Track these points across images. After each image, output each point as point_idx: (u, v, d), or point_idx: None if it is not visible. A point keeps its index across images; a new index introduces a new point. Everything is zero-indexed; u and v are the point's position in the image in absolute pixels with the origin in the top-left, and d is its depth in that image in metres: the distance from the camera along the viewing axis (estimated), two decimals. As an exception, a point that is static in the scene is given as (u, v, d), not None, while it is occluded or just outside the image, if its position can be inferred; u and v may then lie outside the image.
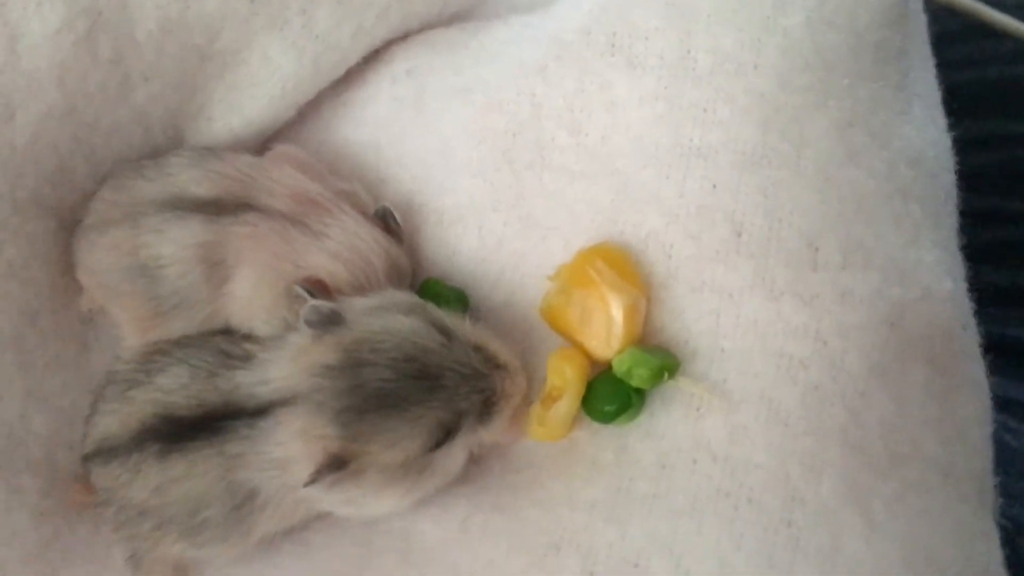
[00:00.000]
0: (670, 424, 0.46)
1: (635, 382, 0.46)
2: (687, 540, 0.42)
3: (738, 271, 0.47)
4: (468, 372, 0.45)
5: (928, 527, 0.42)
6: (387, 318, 0.46)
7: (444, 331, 0.46)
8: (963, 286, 0.48)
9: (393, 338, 0.45)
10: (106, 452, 0.48)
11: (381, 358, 0.44)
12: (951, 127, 0.52)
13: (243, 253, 0.52)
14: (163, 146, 0.59)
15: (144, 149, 0.59)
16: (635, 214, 0.50)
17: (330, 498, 0.46)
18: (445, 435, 0.45)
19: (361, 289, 0.51)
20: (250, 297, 0.53)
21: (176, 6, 0.54)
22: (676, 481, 0.44)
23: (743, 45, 0.49)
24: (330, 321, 0.46)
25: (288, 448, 0.44)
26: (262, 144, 0.63)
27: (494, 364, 0.47)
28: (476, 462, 0.50)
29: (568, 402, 0.48)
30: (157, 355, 0.50)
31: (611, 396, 0.47)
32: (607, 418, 0.47)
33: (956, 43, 0.68)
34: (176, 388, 0.47)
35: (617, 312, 0.47)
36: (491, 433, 0.48)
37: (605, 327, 0.47)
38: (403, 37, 0.63)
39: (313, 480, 0.43)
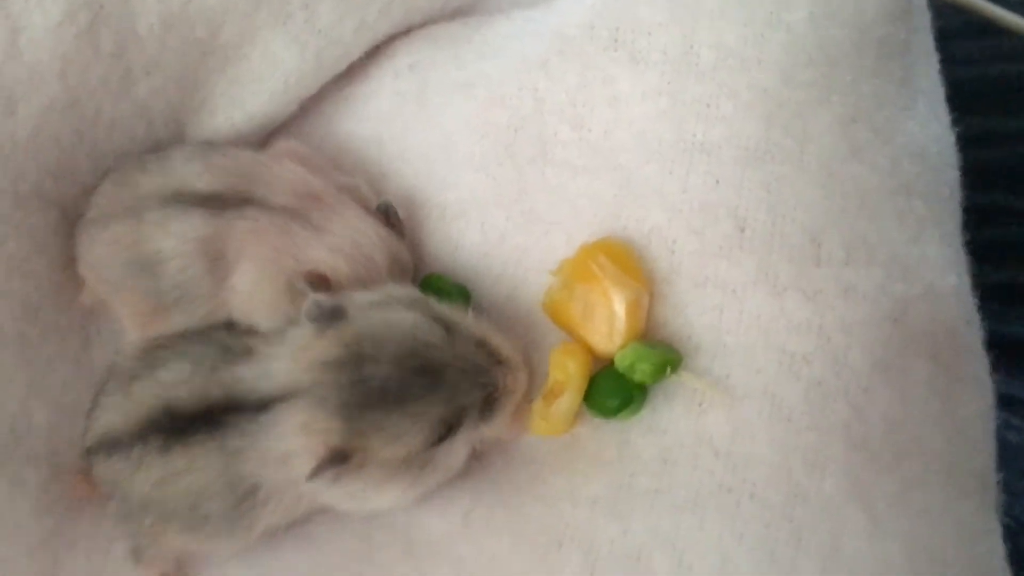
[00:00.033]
0: (672, 419, 0.46)
1: (637, 377, 0.46)
2: (689, 535, 0.42)
3: (741, 267, 0.47)
4: (470, 367, 0.45)
5: (930, 524, 0.42)
6: (389, 313, 0.46)
7: (446, 326, 0.46)
8: (967, 282, 0.48)
9: (395, 333, 0.45)
10: (108, 446, 0.48)
11: (383, 353, 0.44)
12: (954, 124, 0.52)
13: (245, 247, 0.52)
14: (165, 140, 0.59)
15: (146, 143, 0.59)
16: (638, 209, 0.50)
17: (332, 493, 0.46)
18: (447, 430, 0.45)
19: (363, 284, 0.51)
20: (251, 291, 0.52)
21: (178, 0, 0.54)
22: (678, 476, 0.44)
23: (746, 40, 0.49)
24: (332, 316, 0.46)
25: (290, 443, 0.44)
26: (264, 139, 0.63)
27: (496, 359, 0.46)
28: (478, 457, 0.50)
29: (570, 397, 0.48)
30: (159, 349, 0.50)
31: (613, 391, 0.47)
32: (609, 413, 0.47)
33: (959, 39, 0.68)
34: (178, 382, 0.47)
35: (620, 307, 0.47)
36: (493, 428, 0.47)
37: (608, 322, 0.47)
38: (405, 32, 0.63)
39: (315, 474, 0.43)
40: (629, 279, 0.47)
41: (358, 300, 0.47)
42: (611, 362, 0.48)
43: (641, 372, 0.46)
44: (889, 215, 0.47)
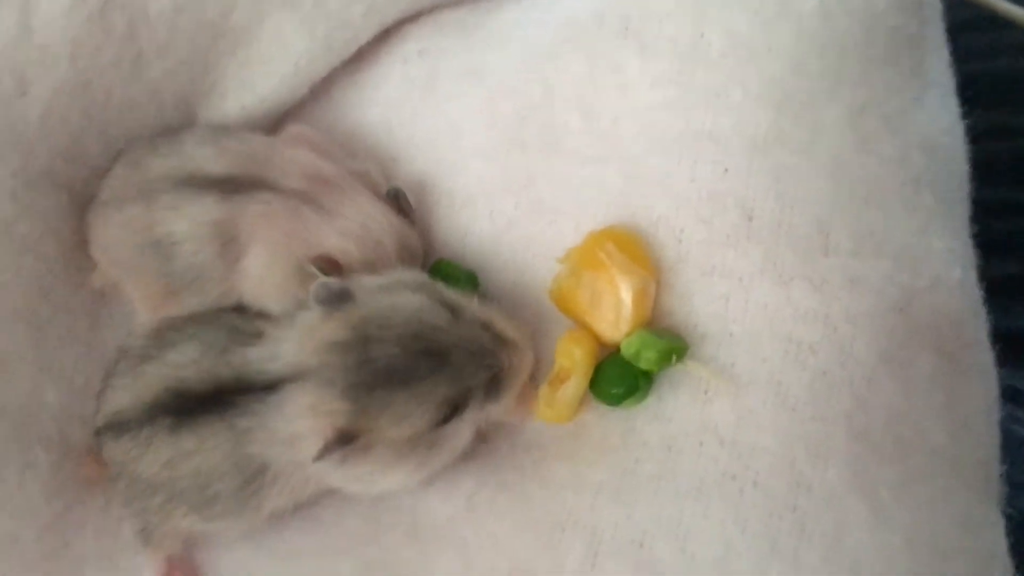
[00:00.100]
0: (678, 407, 0.46)
1: (643, 365, 0.46)
2: (692, 522, 0.43)
3: (748, 256, 0.47)
4: (475, 348, 0.46)
5: (933, 515, 0.42)
6: (396, 295, 0.46)
7: (452, 308, 0.46)
8: (973, 275, 0.48)
9: (401, 315, 0.45)
10: (117, 426, 0.49)
11: (389, 334, 0.45)
12: (962, 118, 0.52)
13: (256, 231, 0.53)
14: (175, 123, 0.60)
15: (157, 126, 0.59)
16: (645, 198, 0.50)
17: (339, 474, 0.46)
18: (452, 411, 0.45)
19: (372, 268, 0.52)
20: (262, 274, 0.53)
21: (189, -18, 0.55)
22: (682, 464, 0.45)
23: (756, 29, 0.49)
24: (339, 298, 0.46)
25: (297, 423, 0.45)
26: (275, 123, 0.63)
27: (501, 341, 0.47)
28: (484, 441, 0.50)
29: (576, 384, 0.48)
30: (169, 331, 0.50)
31: (619, 379, 0.47)
32: (615, 400, 0.47)
33: (968, 33, 0.68)
34: (187, 363, 0.48)
35: (626, 295, 0.47)
36: (498, 410, 0.48)
37: (614, 310, 0.48)
38: (415, 17, 0.63)
39: (322, 455, 0.43)
40: (636, 267, 0.47)
41: (366, 284, 0.48)
42: (617, 350, 0.48)
43: (646, 360, 0.46)
44: (897, 206, 0.47)
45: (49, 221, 0.56)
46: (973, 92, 0.53)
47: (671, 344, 0.46)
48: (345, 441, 0.43)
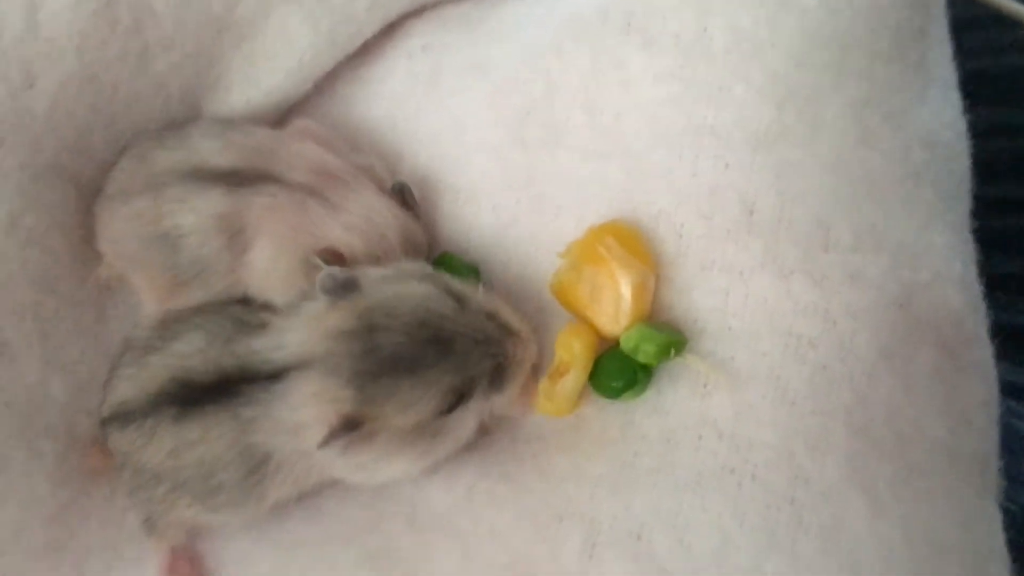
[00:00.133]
0: (677, 401, 0.47)
1: (642, 358, 0.47)
2: (690, 515, 0.43)
3: (748, 250, 0.47)
4: (480, 337, 0.46)
5: (931, 508, 0.42)
6: (402, 285, 0.47)
7: (457, 298, 0.47)
8: (973, 270, 0.48)
9: (407, 304, 0.46)
10: (123, 416, 0.49)
11: (395, 323, 0.45)
12: (966, 115, 0.52)
13: (262, 224, 0.53)
14: (181, 117, 0.60)
15: (162, 119, 0.59)
16: (647, 193, 0.50)
17: (342, 463, 0.46)
18: (457, 399, 0.45)
19: (376, 261, 0.52)
20: (268, 267, 0.53)
21: (195, -24, 0.55)
22: (681, 457, 0.45)
23: (760, 24, 0.49)
24: (345, 288, 0.46)
25: (302, 411, 0.45)
26: (281, 117, 0.63)
27: (506, 330, 0.47)
28: (486, 433, 0.50)
29: (575, 376, 0.48)
30: (174, 322, 0.51)
31: (618, 372, 0.47)
32: (614, 394, 0.48)
33: (972, 31, 0.68)
34: (192, 353, 0.48)
35: (626, 289, 0.47)
36: (502, 400, 0.48)
37: (614, 304, 0.48)
38: (419, 12, 0.63)
39: (326, 442, 0.43)
40: (636, 261, 0.48)
41: (371, 274, 0.48)
42: (617, 343, 0.48)
43: (645, 353, 0.46)
44: (898, 202, 0.47)
45: (55, 214, 0.56)
46: (977, 90, 0.53)
47: (670, 338, 0.46)
48: (350, 428, 0.44)
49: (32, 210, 0.54)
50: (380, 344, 0.44)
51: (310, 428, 0.45)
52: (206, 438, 0.47)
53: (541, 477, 0.47)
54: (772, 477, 0.43)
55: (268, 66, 0.60)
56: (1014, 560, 0.44)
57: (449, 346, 0.45)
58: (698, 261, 0.48)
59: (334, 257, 0.51)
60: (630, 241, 0.49)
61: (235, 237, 0.53)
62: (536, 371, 0.50)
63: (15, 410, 0.52)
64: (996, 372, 0.47)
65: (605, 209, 0.51)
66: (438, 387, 0.45)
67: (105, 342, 0.57)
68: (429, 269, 0.50)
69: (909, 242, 0.46)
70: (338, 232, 0.52)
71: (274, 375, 0.46)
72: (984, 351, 0.47)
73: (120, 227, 0.55)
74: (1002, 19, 0.69)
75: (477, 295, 0.48)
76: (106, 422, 0.51)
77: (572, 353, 0.48)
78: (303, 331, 0.46)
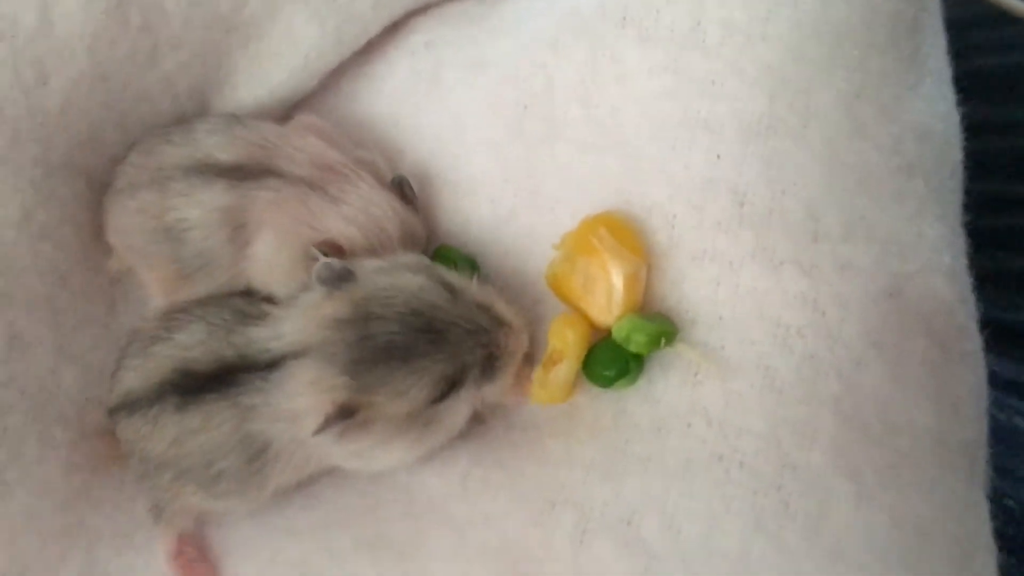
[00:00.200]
0: (667, 389, 0.47)
1: (633, 348, 0.47)
2: (679, 500, 0.43)
3: (739, 241, 0.47)
4: (473, 327, 0.47)
5: (918, 497, 0.43)
6: (396, 276, 0.48)
7: (451, 289, 0.48)
8: (963, 262, 0.48)
9: (401, 294, 0.47)
10: (129, 406, 0.50)
11: (389, 312, 0.46)
12: (968, 112, 0.52)
13: (265, 217, 0.54)
14: (190, 113, 0.61)
15: (172, 116, 0.60)
16: (641, 185, 0.51)
17: (338, 450, 0.47)
18: (449, 387, 0.46)
19: (376, 253, 0.53)
20: (270, 259, 0.54)
21: (203, -23, 0.56)
22: (671, 444, 0.45)
23: (754, 16, 0.49)
24: (341, 278, 0.47)
25: (298, 400, 0.46)
26: (286, 113, 0.64)
27: (499, 321, 0.48)
28: (481, 422, 0.51)
29: (568, 365, 0.49)
30: (178, 313, 0.52)
31: (610, 361, 0.48)
32: (606, 382, 0.48)
33: (975, 29, 0.68)
34: (194, 344, 0.49)
35: (618, 279, 0.48)
36: (495, 390, 0.49)
37: (606, 294, 0.48)
38: (423, 9, 0.64)
39: (322, 429, 0.44)
40: (628, 252, 0.48)
41: (368, 265, 0.49)
42: (609, 333, 0.49)
43: (636, 343, 0.47)
44: (889, 193, 0.47)
45: (67, 209, 0.57)
46: (980, 87, 0.53)
47: (660, 328, 0.47)
48: (345, 416, 0.45)
49: (45, 205, 0.56)
50: (374, 333, 0.45)
51: (306, 416, 0.46)
52: (207, 426, 0.48)
53: (534, 463, 0.48)
54: (760, 464, 0.43)
55: (274, 64, 0.61)
56: (1012, 555, 0.44)
57: (442, 336, 0.46)
58: (690, 252, 0.48)
59: (333, 249, 0.52)
60: (622, 232, 0.49)
61: (238, 230, 0.54)
62: (530, 361, 0.51)
63: (28, 399, 0.53)
64: (985, 363, 0.47)
65: (601, 202, 0.52)
66: (431, 375, 0.46)
67: (115, 333, 0.58)
68: (425, 261, 0.50)
69: (899, 233, 0.47)
70: (338, 224, 0.53)
71: (272, 364, 0.47)
72: (973, 342, 0.47)
73: (127, 220, 0.56)
74: (1008, 17, 0.69)
75: (471, 287, 0.49)
76: (113, 411, 0.52)
77: (565, 342, 0.49)
78: (300, 320, 0.47)
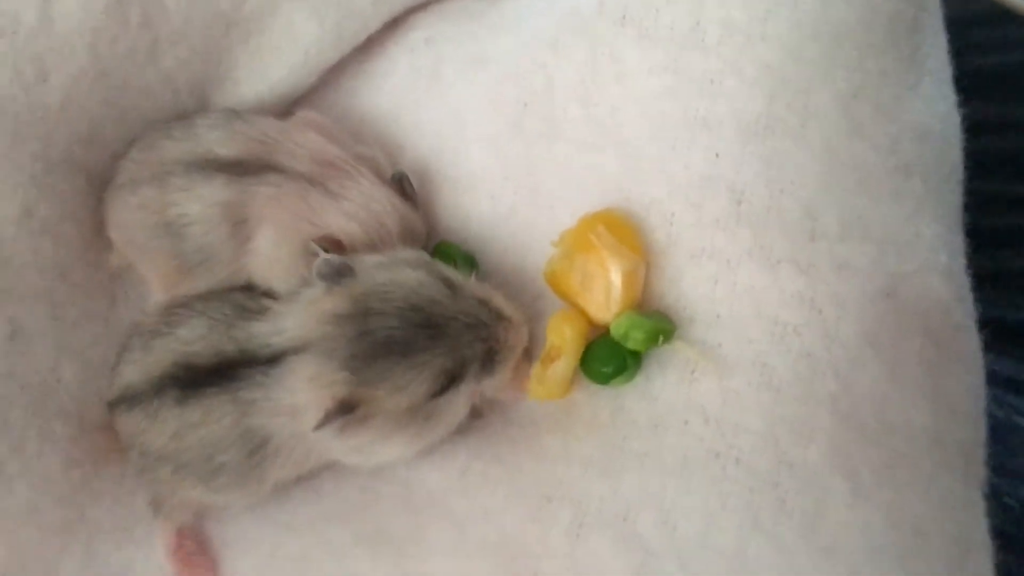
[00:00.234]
0: (665, 387, 0.48)
1: (631, 345, 0.47)
2: (676, 497, 0.44)
3: (737, 239, 0.47)
4: (472, 322, 0.47)
5: (914, 495, 0.43)
6: (396, 271, 0.48)
7: (450, 284, 0.48)
8: (961, 261, 0.48)
9: (400, 289, 0.47)
10: (129, 400, 0.51)
11: (389, 307, 0.46)
12: (970, 111, 0.52)
13: (265, 212, 0.54)
14: (190, 109, 0.61)
15: (172, 112, 0.60)
16: (640, 183, 0.51)
17: (338, 444, 0.47)
18: (449, 381, 0.47)
19: (375, 249, 0.53)
20: (271, 254, 0.55)
21: (203, -27, 0.56)
22: (668, 441, 0.46)
23: (753, 16, 0.49)
24: (340, 274, 0.48)
25: (299, 394, 0.46)
26: (286, 109, 0.64)
27: (498, 316, 0.48)
28: (480, 417, 0.51)
29: (566, 361, 0.49)
30: (179, 308, 0.52)
31: (608, 358, 0.48)
32: (604, 379, 0.49)
33: (977, 27, 0.68)
34: (195, 339, 0.49)
35: (616, 277, 0.48)
36: (494, 384, 0.49)
37: (604, 291, 0.49)
38: (423, 6, 0.64)
39: (322, 424, 0.45)
40: (626, 250, 0.48)
41: (367, 261, 0.49)
42: (607, 330, 0.49)
43: (634, 340, 0.47)
44: (886, 193, 0.47)
45: (68, 204, 0.57)
46: (982, 86, 0.53)
47: (658, 325, 0.47)
48: (345, 411, 0.45)
49: (46, 201, 0.56)
50: (374, 328, 0.46)
51: (306, 411, 0.46)
52: (207, 421, 0.48)
53: (532, 459, 0.48)
54: (756, 462, 0.43)
55: (274, 60, 0.61)
56: (1011, 553, 0.44)
57: (441, 330, 0.46)
58: (688, 250, 0.49)
59: (333, 245, 0.52)
60: (621, 230, 0.49)
61: (239, 225, 0.54)
62: (529, 357, 0.51)
63: (29, 393, 0.53)
64: (983, 362, 0.47)
65: (600, 199, 0.52)
66: (430, 370, 0.46)
67: (116, 328, 0.58)
68: (424, 257, 0.51)
69: (896, 233, 0.47)
70: (338, 220, 0.53)
71: (272, 359, 0.47)
72: (971, 341, 0.47)
73: (128, 216, 0.56)
74: (1008, 15, 0.69)
75: (470, 282, 0.49)
76: (113, 405, 0.52)
77: (563, 338, 0.49)
78: (300, 315, 0.47)
